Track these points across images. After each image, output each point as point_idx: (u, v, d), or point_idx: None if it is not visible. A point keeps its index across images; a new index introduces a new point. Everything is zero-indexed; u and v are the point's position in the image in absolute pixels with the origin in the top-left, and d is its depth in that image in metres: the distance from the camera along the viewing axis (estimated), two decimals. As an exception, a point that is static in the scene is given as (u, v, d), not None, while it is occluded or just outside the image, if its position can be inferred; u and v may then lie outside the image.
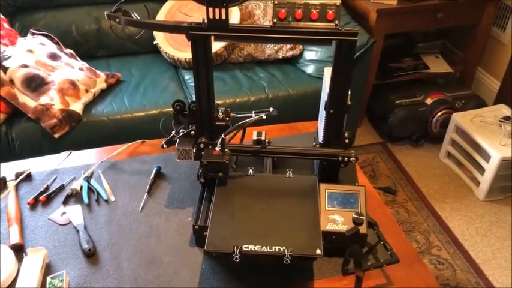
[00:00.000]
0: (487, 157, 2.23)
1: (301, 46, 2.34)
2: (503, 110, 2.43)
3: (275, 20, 0.99)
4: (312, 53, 2.31)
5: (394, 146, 2.68)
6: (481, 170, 2.29)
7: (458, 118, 2.40)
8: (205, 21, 1.00)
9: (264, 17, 2.36)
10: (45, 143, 1.92)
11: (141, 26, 1.10)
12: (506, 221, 2.22)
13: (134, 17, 1.10)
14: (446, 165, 2.55)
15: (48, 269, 1.10)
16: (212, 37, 1.03)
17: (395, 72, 2.70)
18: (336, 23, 0.98)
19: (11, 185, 1.32)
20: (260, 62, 2.35)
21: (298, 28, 0.99)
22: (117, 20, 1.08)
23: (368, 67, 2.32)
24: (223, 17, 0.98)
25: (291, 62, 2.37)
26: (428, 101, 2.59)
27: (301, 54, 2.35)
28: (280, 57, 2.33)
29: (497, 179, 2.24)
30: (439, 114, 2.54)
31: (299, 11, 0.98)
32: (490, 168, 2.21)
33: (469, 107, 2.55)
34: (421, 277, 1.12)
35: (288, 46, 2.32)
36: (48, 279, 1.06)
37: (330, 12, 0.97)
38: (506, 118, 2.31)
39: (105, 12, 1.10)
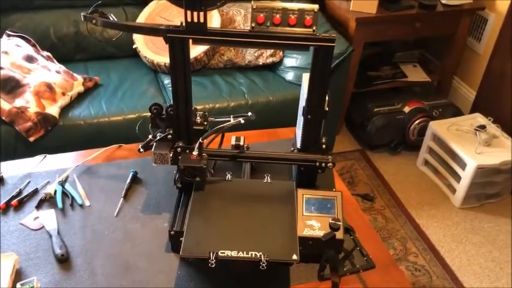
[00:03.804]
0: (462, 165, 2.27)
1: (281, 53, 2.35)
2: (479, 118, 2.48)
3: (253, 25, 0.99)
4: (292, 60, 2.32)
5: (373, 153, 2.70)
6: (457, 178, 2.33)
7: (435, 126, 2.44)
8: (184, 24, 1.00)
9: (244, 23, 2.36)
10: (20, 146, 1.88)
11: (119, 27, 1.09)
12: (481, 227, 2.26)
13: (111, 19, 1.09)
14: (423, 172, 2.58)
15: (18, 275, 1.07)
16: (190, 40, 1.03)
17: (374, 80, 2.73)
18: (314, 28, 0.99)
19: (-19, 188, 1.29)
20: (240, 68, 2.35)
21: (276, 33, 0.99)
22: (94, 21, 1.07)
23: (347, 75, 2.34)
24: (202, 20, 0.98)
25: (271, 68, 2.37)
26: (406, 109, 2.63)
27: (281, 61, 2.36)
28: (261, 63, 2.34)
29: (473, 187, 2.27)
30: (417, 122, 2.58)
31: (277, 16, 0.98)
32: (466, 176, 2.25)
33: (446, 116, 2.59)
34: (397, 282, 1.13)
35: (268, 53, 2.33)
36: (18, 285, 1.03)
37: (308, 17, 0.98)
38: (482, 127, 2.35)
39: (82, 13, 1.09)
